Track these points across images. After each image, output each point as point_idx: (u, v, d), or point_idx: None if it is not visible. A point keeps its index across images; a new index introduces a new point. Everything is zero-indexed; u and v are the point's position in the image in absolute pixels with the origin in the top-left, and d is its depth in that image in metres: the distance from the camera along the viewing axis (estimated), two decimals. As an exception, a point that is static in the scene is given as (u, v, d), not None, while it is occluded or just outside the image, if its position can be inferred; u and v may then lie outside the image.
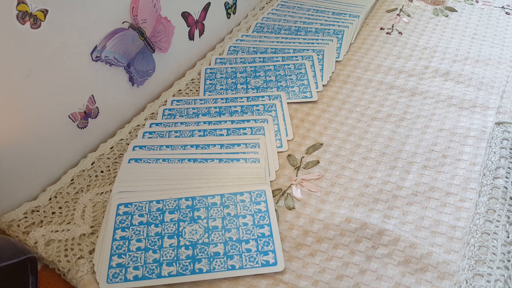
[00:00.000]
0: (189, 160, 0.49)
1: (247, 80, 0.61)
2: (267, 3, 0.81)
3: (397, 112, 0.55)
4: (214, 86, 0.61)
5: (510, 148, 0.49)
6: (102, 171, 0.49)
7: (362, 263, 0.39)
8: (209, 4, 0.65)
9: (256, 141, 0.51)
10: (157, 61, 0.57)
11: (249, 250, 0.40)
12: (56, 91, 0.44)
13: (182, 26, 0.61)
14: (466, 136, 0.51)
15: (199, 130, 0.53)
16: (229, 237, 0.41)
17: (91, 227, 0.43)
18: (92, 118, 0.50)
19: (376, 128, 0.53)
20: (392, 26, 0.73)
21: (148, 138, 0.52)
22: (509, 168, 0.47)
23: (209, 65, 0.65)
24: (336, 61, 0.65)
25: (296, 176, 0.48)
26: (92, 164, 0.50)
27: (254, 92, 0.59)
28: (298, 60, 0.64)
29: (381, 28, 0.72)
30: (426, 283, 0.38)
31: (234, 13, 0.73)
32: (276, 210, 0.44)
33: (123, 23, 0.49)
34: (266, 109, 0.56)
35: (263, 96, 0.58)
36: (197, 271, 0.39)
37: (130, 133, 0.54)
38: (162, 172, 0.47)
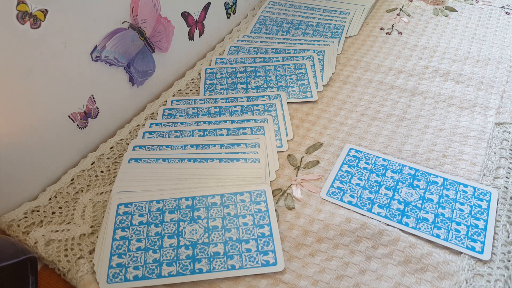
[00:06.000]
0: (189, 160, 0.49)
1: (247, 80, 0.61)
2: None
3: (397, 112, 0.55)
4: (214, 86, 0.61)
5: (510, 149, 0.49)
6: (102, 171, 0.49)
7: (362, 263, 0.39)
8: (209, 4, 0.65)
9: (256, 141, 0.51)
10: (157, 61, 0.57)
11: (249, 250, 0.40)
12: (56, 91, 0.44)
13: (182, 26, 0.61)
14: (466, 136, 0.51)
15: (199, 130, 0.53)
16: (229, 237, 0.41)
17: (91, 227, 0.43)
18: (92, 118, 0.50)
19: (376, 128, 0.53)
20: (392, 26, 0.72)
21: (148, 138, 0.52)
22: (509, 168, 0.47)
23: (209, 65, 0.65)
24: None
25: (296, 176, 0.48)
26: (92, 164, 0.50)
27: (254, 92, 0.59)
28: (298, 60, 0.64)
29: (381, 28, 0.72)
30: (426, 283, 0.38)
31: (234, 13, 0.73)
32: (276, 210, 0.44)
33: (123, 23, 0.49)
34: (266, 109, 0.56)
35: (263, 96, 0.58)
36: (197, 271, 0.39)
37: (130, 133, 0.54)
38: (162, 172, 0.47)
